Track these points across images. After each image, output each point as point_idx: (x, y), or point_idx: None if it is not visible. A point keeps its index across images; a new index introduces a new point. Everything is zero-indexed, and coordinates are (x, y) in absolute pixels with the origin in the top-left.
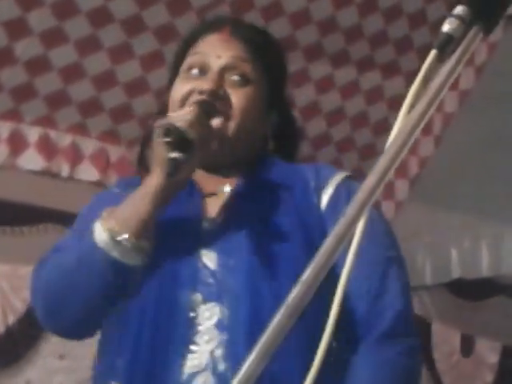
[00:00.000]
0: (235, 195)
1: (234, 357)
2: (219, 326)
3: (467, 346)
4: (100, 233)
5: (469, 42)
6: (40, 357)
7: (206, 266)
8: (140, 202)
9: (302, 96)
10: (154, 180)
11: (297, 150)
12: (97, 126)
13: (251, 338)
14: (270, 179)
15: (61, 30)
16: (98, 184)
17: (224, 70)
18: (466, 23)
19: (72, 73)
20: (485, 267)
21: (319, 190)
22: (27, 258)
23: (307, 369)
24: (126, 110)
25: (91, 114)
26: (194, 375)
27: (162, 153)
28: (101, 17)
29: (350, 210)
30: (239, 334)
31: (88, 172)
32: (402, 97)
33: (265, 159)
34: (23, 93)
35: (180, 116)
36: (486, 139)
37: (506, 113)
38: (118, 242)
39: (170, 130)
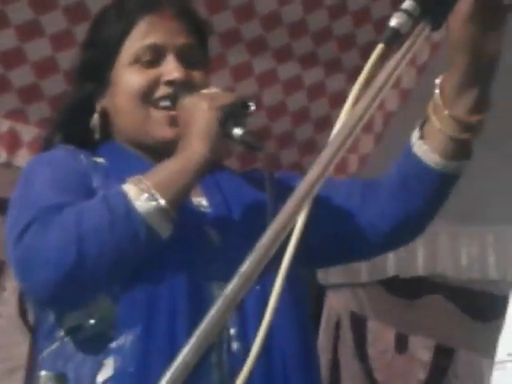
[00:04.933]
0: (215, 178)
1: (245, 336)
2: None
3: (401, 344)
4: (137, 196)
5: (415, 37)
6: None
7: (212, 243)
8: (182, 174)
9: (243, 89)
10: (199, 154)
11: None
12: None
13: (259, 317)
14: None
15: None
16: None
17: (181, 55)
18: (413, 18)
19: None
20: (420, 266)
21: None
22: None
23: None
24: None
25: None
26: (209, 351)
27: (215, 127)
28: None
29: (291, 202)
30: (248, 315)
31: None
32: (344, 93)
33: None
34: None
35: (223, 94)
36: None
37: None
38: (159, 210)
39: (239, 106)
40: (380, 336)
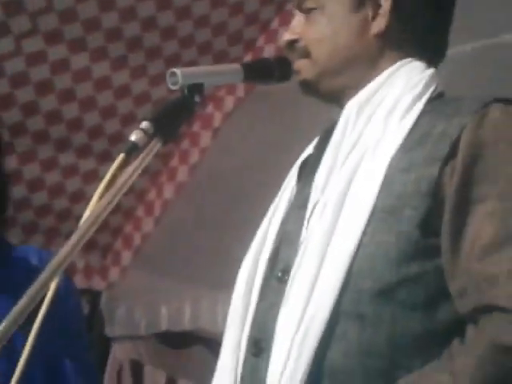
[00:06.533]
0: None
1: None
2: None
3: None
4: None
5: (149, 150)
6: None
7: None
8: None
9: None
10: None
11: None
12: None
13: None
14: None
15: None
16: None
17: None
18: (148, 135)
19: None
20: (187, 322)
21: None
22: None
23: None
24: None
25: None
26: None
27: None
28: None
29: (44, 274)
30: None
31: None
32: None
33: None
34: None
35: None
36: (195, 221)
37: (212, 199)
38: None
39: None
40: (154, 379)
